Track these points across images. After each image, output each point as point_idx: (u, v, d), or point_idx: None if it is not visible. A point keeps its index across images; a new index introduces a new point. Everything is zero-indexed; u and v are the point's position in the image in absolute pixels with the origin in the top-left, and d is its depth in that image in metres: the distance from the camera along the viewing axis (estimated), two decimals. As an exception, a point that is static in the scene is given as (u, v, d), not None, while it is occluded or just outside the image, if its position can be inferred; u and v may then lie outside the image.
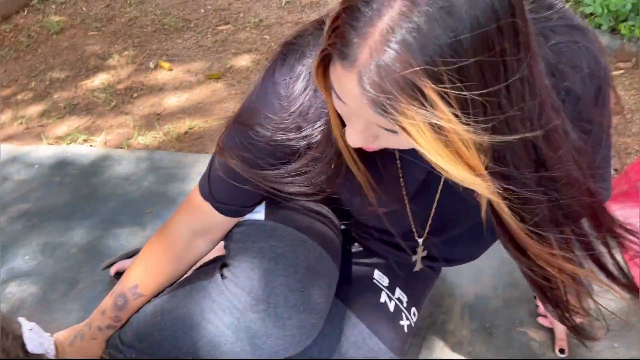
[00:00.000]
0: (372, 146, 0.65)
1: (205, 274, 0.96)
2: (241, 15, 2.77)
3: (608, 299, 1.02)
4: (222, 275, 0.90)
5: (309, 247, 0.90)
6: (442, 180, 0.83)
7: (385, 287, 1.04)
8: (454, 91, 0.50)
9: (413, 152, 0.75)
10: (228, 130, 0.82)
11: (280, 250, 0.88)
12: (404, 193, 0.85)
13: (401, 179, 0.83)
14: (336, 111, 0.65)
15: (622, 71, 2.11)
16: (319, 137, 0.74)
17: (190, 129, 1.96)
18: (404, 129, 0.53)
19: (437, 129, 0.52)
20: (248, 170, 0.80)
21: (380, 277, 1.06)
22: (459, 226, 0.92)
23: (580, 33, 0.71)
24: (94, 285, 1.31)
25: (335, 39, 0.55)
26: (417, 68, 0.49)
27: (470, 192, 0.82)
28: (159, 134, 1.94)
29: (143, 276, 0.98)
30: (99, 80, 2.30)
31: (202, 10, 2.84)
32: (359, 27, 0.52)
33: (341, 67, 0.55)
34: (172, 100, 2.14)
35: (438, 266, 1.12)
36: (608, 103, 0.76)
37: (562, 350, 1.10)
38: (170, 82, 2.26)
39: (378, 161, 0.79)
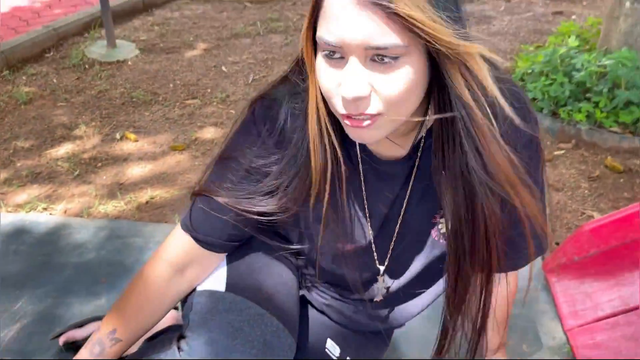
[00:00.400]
0: (364, 109, 0.67)
1: (161, 345, 0.94)
2: (209, 90, 2.89)
3: None
4: (179, 348, 0.90)
5: (266, 322, 0.91)
6: (402, 215, 0.88)
7: (337, 358, 1.06)
8: None
9: (377, 186, 0.82)
10: (210, 167, 0.89)
11: (238, 325, 0.89)
12: (369, 228, 0.89)
13: (367, 214, 0.88)
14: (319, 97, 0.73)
15: (563, 151, 2.26)
16: (292, 160, 0.81)
17: (152, 198, 1.99)
18: (397, 12, 0.60)
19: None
20: (226, 194, 0.84)
21: (332, 347, 1.08)
22: (414, 262, 0.95)
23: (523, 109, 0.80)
24: (42, 356, 1.29)
25: None
26: None
27: (426, 228, 0.88)
28: (120, 203, 1.97)
29: (121, 320, 0.94)
30: (64, 149, 2.34)
31: (171, 85, 2.95)
32: None
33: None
34: (136, 171, 2.19)
35: (389, 324, 1.12)
36: (540, 153, 0.85)
37: None
38: (135, 152, 2.32)
39: (345, 198, 0.84)
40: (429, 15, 0.62)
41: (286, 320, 0.95)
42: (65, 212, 1.92)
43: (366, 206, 0.88)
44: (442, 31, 0.62)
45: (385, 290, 1.00)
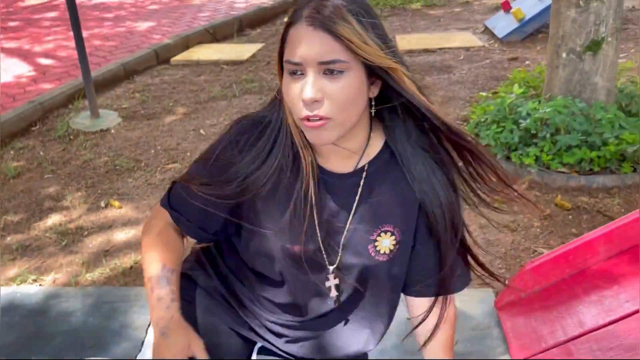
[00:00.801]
0: (318, 110, 0.88)
1: None
2: (188, 154, 3.06)
3: None
4: None
5: None
6: (347, 227, 1.02)
7: None
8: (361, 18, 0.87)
9: (326, 197, 1.00)
10: (191, 166, 1.07)
11: None
12: (318, 235, 1.02)
13: (315, 221, 1.01)
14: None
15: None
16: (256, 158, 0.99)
17: (136, 263, 2.13)
18: (340, 36, 0.84)
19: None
20: (200, 184, 1.01)
21: None
22: (360, 273, 1.06)
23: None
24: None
25: (297, 15, 0.88)
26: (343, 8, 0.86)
27: (365, 243, 1.03)
28: (106, 269, 2.10)
29: (163, 255, 1.05)
30: (52, 221, 2.48)
31: (153, 151, 3.13)
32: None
33: (307, 24, 0.86)
34: (120, 237, 2.33)
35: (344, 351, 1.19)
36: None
37: None
38: (119, 219, 2.46)
39: (295, 201, 0.99)
40: (363, 40, 0.86)
41: None
42: (54, 282, 2.05)
43: (315, 214, 1.01)
44: (372, 52, 0.86)
45: (336, 295, 1.07)
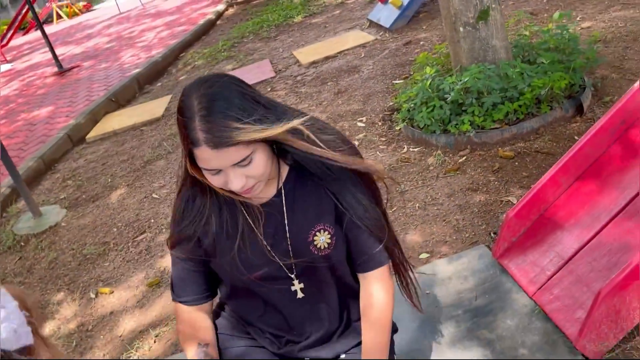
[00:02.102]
0: (248, 186, 1.09)
1: None
2: (152, 220, 3.09)
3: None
4: None
5: None
6: (288, 238, 1.21)
7: None
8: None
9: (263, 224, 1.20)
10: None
11: None
12: (272, 253, 1.22)
13: (265, 245, 1.21)
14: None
15: (464, 157, 2.73)
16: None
17: (157, 336, 2.16)
18: (239, 143, 1.02)
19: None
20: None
21: None
22: (310, 261, 1.23)
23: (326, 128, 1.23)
24: None
25: (195, 139, 1.04)
26: (229, 120, 1.03)
27: (307, 244, 1.22)
28: (136, 354, 2.12)
29: (193, 339, 1.28)
30: (49, 329, 2.43)
31: (115, 230, 3.11)
32: (196, 127, 1.04)
33: (211, 148, 1.02)
34: (128, 320, 2.34)
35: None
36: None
37: None
38: (118, 303, 2.46)
39: (241, 237, 1.21)
40: (253, 131, 1.04)
41: None
42: (84, 383, 2.04)
43: (263, 239, 1.22)
44: (264, 135, 1.05)
45: (302, 295, 1.28)
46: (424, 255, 2.18)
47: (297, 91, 4.33)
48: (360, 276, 1.31)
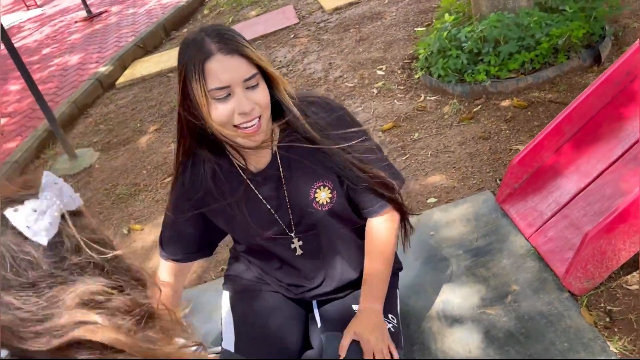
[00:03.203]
0: (255, 114, 1.15)
1: None
2: (179, 164, 3.26)
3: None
4: None
5: None
6: (287, 199, 1.30)
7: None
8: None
9: (264, 188, 1.30)
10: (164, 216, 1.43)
11: None
12: (275, 215, 1.33)
13: (269, 208, 1.32)
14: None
15: (479, 107, 2.79)
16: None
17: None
18: (249, 56, 1.12)
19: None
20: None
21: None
22: (312, 218, 1.34)
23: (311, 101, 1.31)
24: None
25: (206, 50, 1.11)
26: (239, 37, 1.15)
27: (308, 202, 1.32)
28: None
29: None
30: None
31: (145, 172, 3.31)
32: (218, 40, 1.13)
33: (224, 54, 1.10)
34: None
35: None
36: (348, 122, 1.32)
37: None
38: (148, 240, 2.67)
39: (245, 202, 1.30)
40: (259, 56, 1.15)
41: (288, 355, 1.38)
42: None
43: (267, 205, 1.32)
44: (267, 63, 1.16)
45: (301, 252, 1.38)
46: (431, 200, 2.30)
47: (319, 38, 4.36)
48: (367, 219, 1.42)
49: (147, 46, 5.68)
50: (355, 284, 1.48)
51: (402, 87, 3.24)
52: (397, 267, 1.58)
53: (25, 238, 0.64)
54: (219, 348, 1.50)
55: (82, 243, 0.67)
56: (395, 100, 3.13)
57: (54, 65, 5.86)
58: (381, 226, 1.40)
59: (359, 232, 1.45)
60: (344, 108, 1.35)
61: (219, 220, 1.37)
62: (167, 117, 3.94)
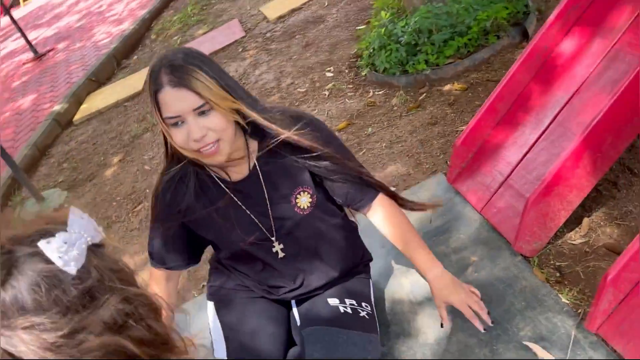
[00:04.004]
0: (209, 140, 1.21)
1: None
2: (147, 190, 3.33)
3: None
4: None
5: None
6: (268, 200, 1.40)
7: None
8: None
9: (247, 198, 1.40)
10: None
11: None
12: (258, 222, 1.42)
13: (252, 216, 1.41)
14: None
15: (424, 94, 2.94)
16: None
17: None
18: (196, 91, 1.17)
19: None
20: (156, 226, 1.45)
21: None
22: (293, 221, 1.44)
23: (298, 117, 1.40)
24: None
25: (158, 83, 1.18)
26: (194, 67, 1.20)
27: (289, 206, 1.43)
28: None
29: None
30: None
31: (115, 204, 3.36)
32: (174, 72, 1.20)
33: (171, 87, 1.17)
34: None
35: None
36: (329, 136, 1.45)
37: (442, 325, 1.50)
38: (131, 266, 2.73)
39: (225, 212, 1.40)
40: (208, 87, 1.18)
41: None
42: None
43: (248, 212, 1.41)
44: (215, 97, 1.20)
45: (282, 255, 1.48)
46: (391, 189, 2.42)
47: (267, 49, 4.47)
48: (366, 214, 1.53)
49: (99, 79, 5.69)
50: (334, 282, 1.59)
51: (351, 86, 3.37)
52: (367, 258, 1.71)
53: (56, 267, 0.70)
54: None
55: (105, 273, 0.74)
56: (347, 99, 3.26)
57: (7, 111, 5.82)
58: (386, 214, 1.51)
59: (339, 232, 1.56)
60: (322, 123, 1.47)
61: (202, 230, 1.46)
62: (129, 146, 3.99)
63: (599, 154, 1.66)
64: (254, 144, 1.39)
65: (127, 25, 6.86)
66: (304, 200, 1.43)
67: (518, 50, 2.88)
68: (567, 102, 1.89)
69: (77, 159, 4.19)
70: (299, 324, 1.57)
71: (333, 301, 1.58)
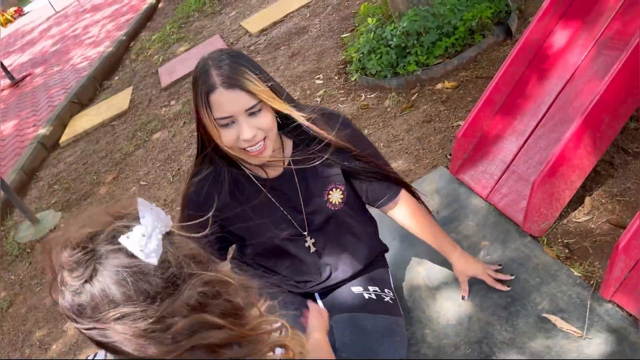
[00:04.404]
0: (258, 138, 1.25)
1: None
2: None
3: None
4: None
5: None
6: (302, 203, 1.45)
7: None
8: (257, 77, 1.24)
9: (281, 195, 1.43)
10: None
11: None
12: (291, 218, 1.47)
13: (285, 212, 1.46)
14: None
15: (415, 95, 3.03)
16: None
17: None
18: (249, 91, 1.20)
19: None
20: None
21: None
22: (325, 216, 1.50)
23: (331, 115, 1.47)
24: None
25: (210, 84, 1.20)
26: (244, 68, 1.22)
27: (322, 204, 1.49)
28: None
29: None
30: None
31: (114, 220, 3.35)
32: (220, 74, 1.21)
33: (225, 89, 1.18)
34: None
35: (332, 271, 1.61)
36: (360, 136, 1.52)
37: (463, 297, 1.72)
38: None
39: (262, 208, 1.44)
40: (260, 88, 1.22)
41: None
42: None
43: (282, 209, 1.46)
44: (268, 96, 1.24)
45: (314, 249, 1.54)
46: (394, 185, 2.50)
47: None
48: (387, 211, 1.61)
49: (81, 100, 5.68)
50: (357, 274, 1.64)
51: (342, 91, 3.46)
52: (383, 249, 1.77)
53: (139, 260, 0.74)
54: None
55: (183, 259, 0.78)
56: (339, 104, 3.34)
57: (-11, 138, 5.75)
58: (410, 208, 1.60)
59: (365, 227, 1.63)
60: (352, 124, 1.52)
61: (236, 227, 1.49)
62: (121, 164, 3.99)
63: (598, 134, 1.76)
64: (288, 142, 1.44)
65: (105, 48, 6.86)
66: (336, 196, 1.49)
67: (503, 48, 3.01)
68: (561, 90, 1.99)
69: (68, 179, 4.16)
70: None
71: (357, 289, 1.64)
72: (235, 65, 1.22)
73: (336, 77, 3.64)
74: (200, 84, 1.23)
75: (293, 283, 1.64)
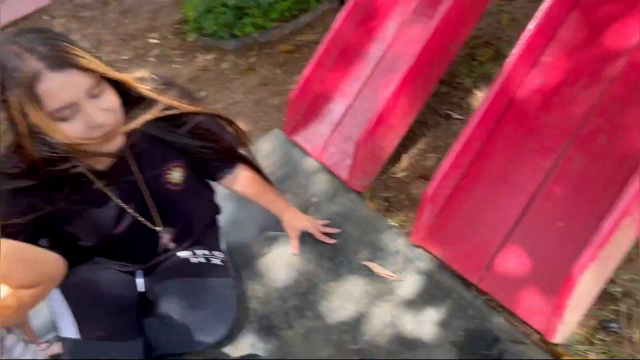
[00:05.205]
0: (111, 122, 1.08)
1: None
2: None
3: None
4: None
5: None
6: (142, 182, 1.34)
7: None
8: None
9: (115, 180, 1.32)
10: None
11: None
12: (127, 207, 1.35)
13: (117, 203, 1.32)
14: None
15: (254, 58, 3.02)
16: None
17: None
18: (84, 68, 1.00)
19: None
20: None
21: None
22: (171, 199, 1.42)
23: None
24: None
25: (32, 72, 0.96)
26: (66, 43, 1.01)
27: (162, 182, 1.40)
28: None
29: None
30: None
31: None
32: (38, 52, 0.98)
33: (55, 71, 0.95)
34: None
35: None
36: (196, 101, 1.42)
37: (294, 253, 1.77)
38: None
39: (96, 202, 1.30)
40: (96, 63, 1.04)
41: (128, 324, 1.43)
42: None
43: (116, 198, 1.31)
44: (108, 70, 1.08)
45: (174, 245, 1.51)
46: (230, 147, 2.48)
47: (79, 16, 4.13)
48: (224, 185, 1.58)
49: None
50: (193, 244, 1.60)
51: (178, 52, 3.31)
52: (216, 210, 1.75)
53: None
54: (50, 336, 1.50)
55: None
56: (174, 65, 3.20)
57: None
58: (246, 178, 1.59)
59: (207, 203, 1.61)
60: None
61: (65, 225, 1.31)
62: None
63: (413, 97, 1.92)
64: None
65: None
66: (177, 175, 1.40)
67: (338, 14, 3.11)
68: (383, 54, 2.12)
69: None
70: (151, 281, 1.55)
71: (184, 254, 1.60)
72: (54, 42, 1.00)
73: (172, 37, 3.47)
74: (12, 78, 0.98)
75: (123, 264, 1.52)
